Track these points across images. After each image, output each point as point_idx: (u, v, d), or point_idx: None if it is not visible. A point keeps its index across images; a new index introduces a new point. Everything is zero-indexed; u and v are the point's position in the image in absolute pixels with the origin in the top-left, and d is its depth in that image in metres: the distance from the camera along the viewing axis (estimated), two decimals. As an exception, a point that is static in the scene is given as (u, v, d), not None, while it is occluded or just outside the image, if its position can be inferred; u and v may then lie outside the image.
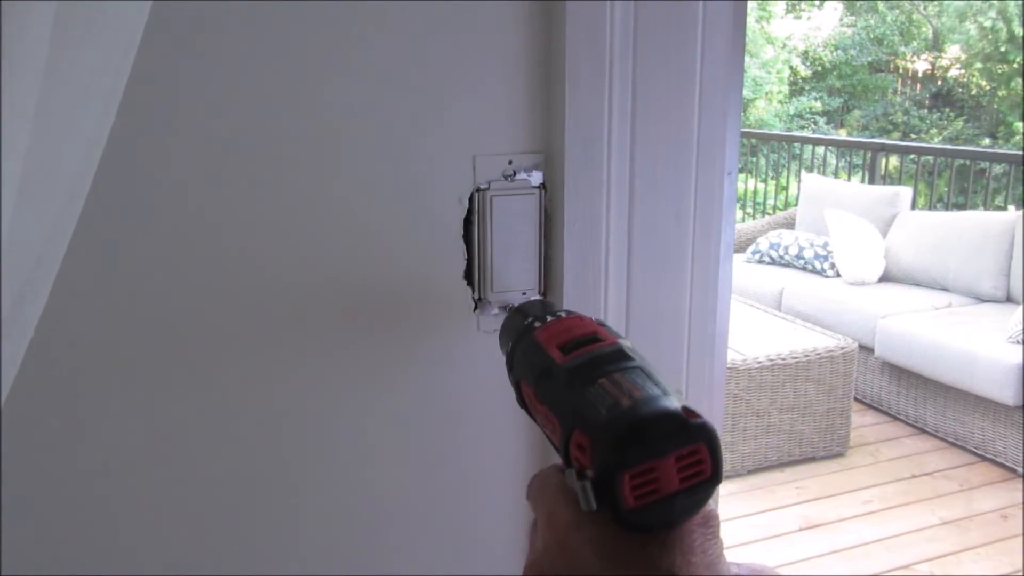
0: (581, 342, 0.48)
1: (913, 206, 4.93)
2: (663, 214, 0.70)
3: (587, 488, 0.40)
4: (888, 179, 5.82)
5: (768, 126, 10.60)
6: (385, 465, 0.69)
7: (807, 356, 3.46)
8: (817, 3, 11.43)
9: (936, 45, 10.80)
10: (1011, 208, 5.02)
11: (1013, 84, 9.66)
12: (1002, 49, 9.45)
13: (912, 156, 6.36)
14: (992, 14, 9.29)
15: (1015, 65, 9.46)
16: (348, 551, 0.70)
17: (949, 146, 7.67)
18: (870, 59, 10.97)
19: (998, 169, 5.51)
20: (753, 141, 7.02)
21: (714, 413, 0.76)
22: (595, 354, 0.47)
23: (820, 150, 6.58)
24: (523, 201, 0.68)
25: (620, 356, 0.46)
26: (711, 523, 0.42)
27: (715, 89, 0.69)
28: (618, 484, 0.39)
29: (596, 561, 0.41)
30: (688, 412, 0.41)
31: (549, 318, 0.54)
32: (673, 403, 0.41)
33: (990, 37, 9.40)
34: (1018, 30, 9.19)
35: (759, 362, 3.39)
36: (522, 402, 0.54)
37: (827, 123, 11.11)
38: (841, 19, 11.42)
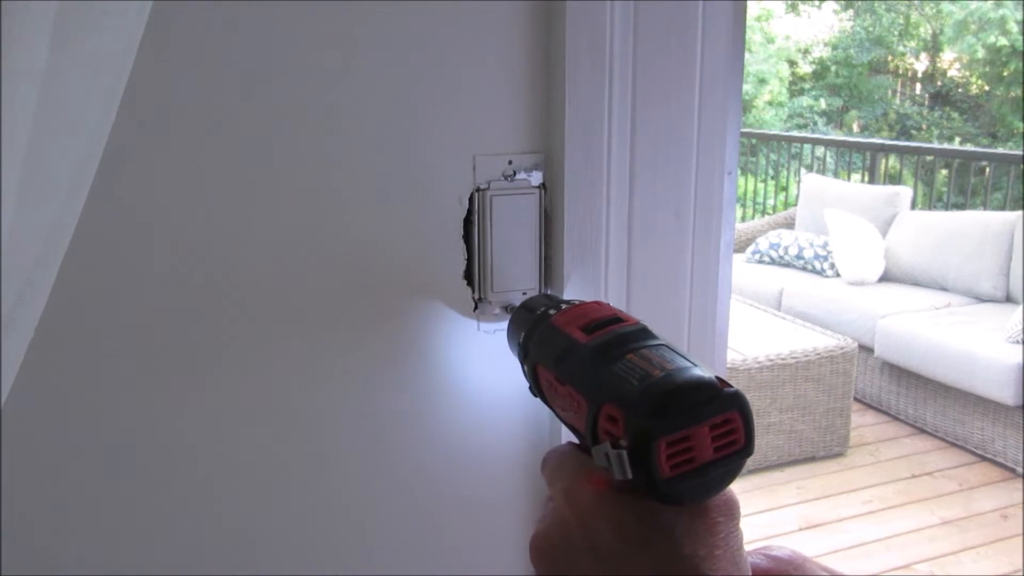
0: (603, 323, 0.48)
1: (913, 206, 4.93)
2: (663, 214, 0.70)
3: (623, 456, 0.39)
4: (888, 179, 5.82)
5: (768, 126, 10.61)
6: (385, 464, 0.69)
7: (807, 356, 3.46)
8: (816, 3, 11.43)
9: (935, 45, 10.80)
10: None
11: (1012, 85, 9.67)
12: (1003, 55, 9.47)
13: (912, 156, 6.36)
14: (996, 32, 9.31)
15: (1014, 69, 9.48)
16: (347, 550, 0.70)
17: (949, 146, 7.68)
18: (869, 59, 10.98)
19: (998, 169, 5.51)
20: (753, 141, 7.03)
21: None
22: (619, 332, 0.47)
23: (820, 150, 6.58)
24: (523, 201, 0.68)
25: (645, 334, 0.46)
26: (734, 513, 0.42)
27: (715, 89, 0.69)
28: (654, 453, 0.39)
29: (616, 542, 0.40)
30: (721, 382, 0.41)
31: (563, 305, 0.54)
32: (706, 373, 0.41)
33: (989, 47, 9.43)
34: (1017, 42, 9.21)
35: (759, 362, 3.39)
36: (537, 389, 0.53)
37: (827, 123, 11.11)
38: (840, 18, 11.42)
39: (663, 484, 0.39)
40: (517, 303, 0.68)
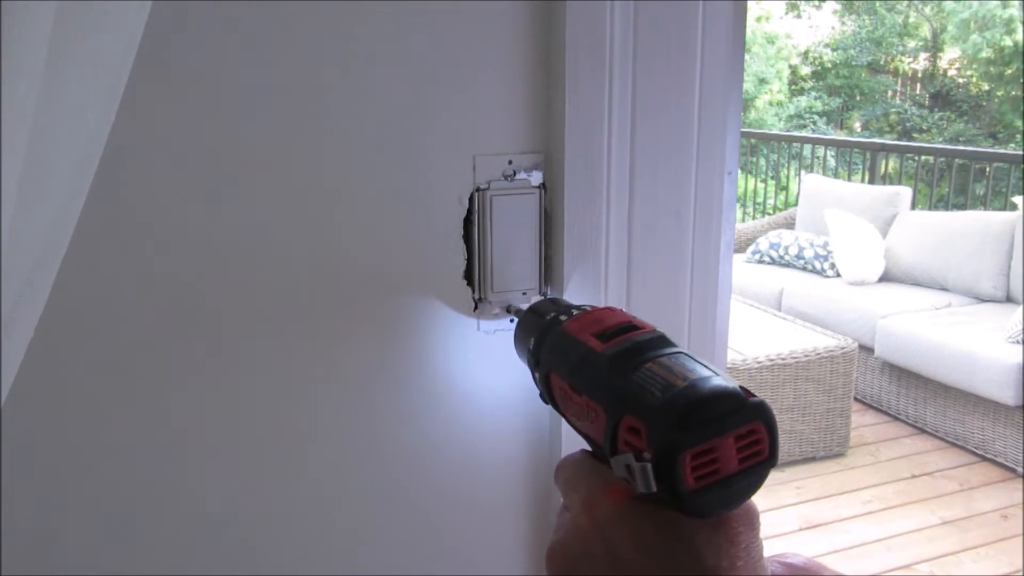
0: (618, 330, 0.47)
1: (913, 206, 4.93)
2: (663, 214, 0.70)
3: (647, 470, 0.39)
4: (888, 179, 5.82)
5: (768, 126, 10.61)
6: (385, 465, 0.69)
7: (807, 356, 3.46)
8: (816, 3, 11.43)
9: (936, 45, 10.80)
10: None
11: (1013, 86, 9.68)
12: (1006, 54, 9.48)
13: (912, 156, 6.36)
14: (1000, 30, 9.32)
15: (1016, 69, 9.49)
16: (346, 551, 0.70)
17: (949, 146, 7.68)
18: (869, 59, 10.98)
19: (999, 169, 5.51)
20: (753, 141, 7.02)
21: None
22: (636, 340, 0.45)
23: (820, 150, 6.58)
24: (523, 201, 0.68)
25: (663, 342, 0.45)
26: (755, 523, 0.41)
27: (715, 89, 0.69)
28: (679, 465, 0.38)
29: (636, 554, 0.40)
30: (745, 391, 0.40)
31: (575, 311, 0.53)
32: (729, 382, 0.40)
33: (994, 45, 9.44)
34: (1019, 42, 9.22)
35: (759, 362, 3.39)
36: (549, 396, 0.52)
37: (827, 123, 11.11)
38: (840, 19, 11.42)
39: (687, 497, 0.38)
40: (517, 303, 0.68)
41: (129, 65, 0.37)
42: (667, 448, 0.38)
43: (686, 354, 0.44)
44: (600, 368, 0.45)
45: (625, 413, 0.42)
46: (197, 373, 0.63)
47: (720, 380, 0.40)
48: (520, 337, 0.59)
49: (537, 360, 0.54)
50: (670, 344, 0.45)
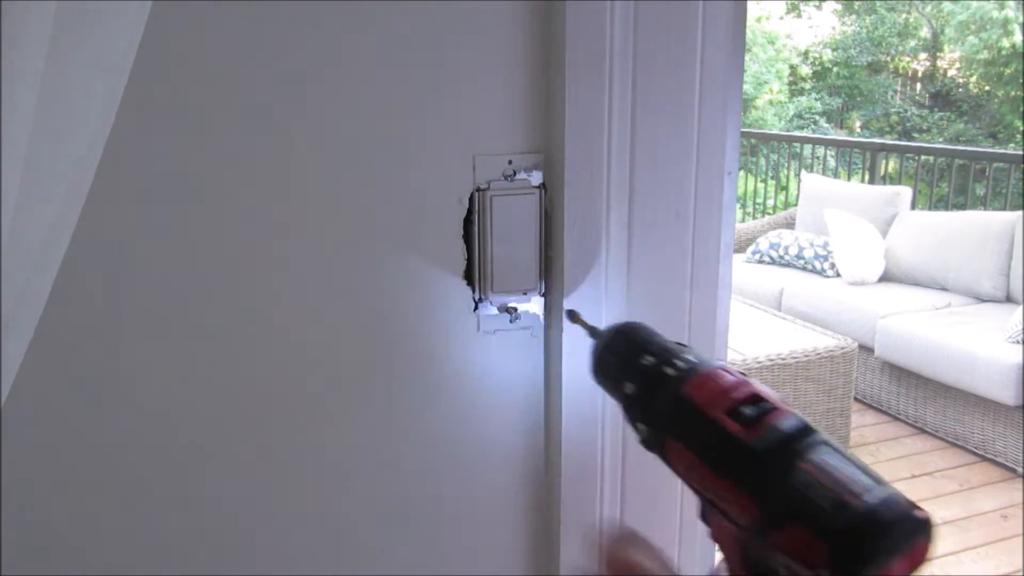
0: (754, 412, 0.47)
1: (913, 206, 4.93)
2: (663, 214, 0.70)
3: None
4: (888, 179, 5.82)
5: (768, 126, 10.60)
6: (385, 465, 0.69)
7: (807, 356, 3.46)
8: (816, 3, 11.43)
9: (936, 45, 10.81)
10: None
11: (1013, 86, 9.68)
12: (1004, 55, 9.49)
13: (912, 156, 6.36)
14: (997, 30, 9.32)
15: (1015, 69, 9.49)
16: (348, 551, 0.70)
17: (949, 146, 7.67)
18: (869, 59, 10.98)
19: (999, 169, 5.51)
20: (753, 141, 7.02)
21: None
22: (781, 431, 0.46)
23: (820, 150, 6.58)
24: (523, 201, 0.68)
25: (805, 430, 0.46)
26: None
27: (715, 89, 0.69)
28: None
29: None
30: (911, 504, 0.42)
31: (679, 363, 0.51)
32: (899, 497, 0.42)
33: (991, 47, 9.44)
34: (1018, 42, 9.22)
35: (759, 362, 3.39)
36: (661, 454, 0.51)
37: (827, 123, 11.11)
38: (841, 19, 11.42)
39: None
40: (517, 303, 0.68)
41: (129, 65, 0.37)
42: (846, 573, 0.40)
43: (830, 445, 0.45)
44: (748, 461, 0.46)
45: (791, 520, 0.42)
46: (195, 374, 0.63)
47: (890, 494, 0.42)
48: (608, 368, 0.57)
49: (645, 412, 0.52)
50: (811, 431, 0.46)
